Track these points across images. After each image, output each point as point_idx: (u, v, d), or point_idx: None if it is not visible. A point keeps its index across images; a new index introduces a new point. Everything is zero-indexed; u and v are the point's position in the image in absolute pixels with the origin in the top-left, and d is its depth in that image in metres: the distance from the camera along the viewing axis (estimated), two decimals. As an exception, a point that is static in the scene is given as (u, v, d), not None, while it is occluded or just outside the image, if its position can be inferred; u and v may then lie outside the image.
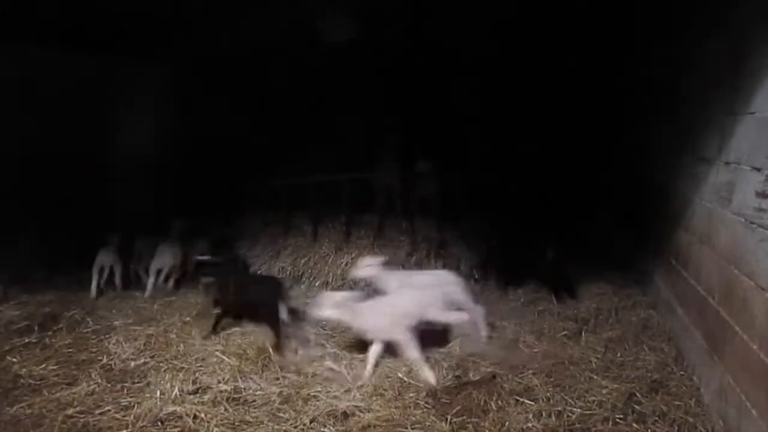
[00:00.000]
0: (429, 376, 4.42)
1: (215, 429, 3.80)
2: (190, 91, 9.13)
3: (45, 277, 6.61)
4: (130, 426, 3.81)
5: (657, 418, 3.93)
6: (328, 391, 4.29)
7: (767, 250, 3.34)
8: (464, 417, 3.94)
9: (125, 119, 8.24)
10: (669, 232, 5.50)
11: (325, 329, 5.38)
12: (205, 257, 6.48)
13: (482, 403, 4.10)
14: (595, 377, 4.47)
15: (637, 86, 7.43)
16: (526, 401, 4.13)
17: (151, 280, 6.43)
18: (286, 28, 8.92)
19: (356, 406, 4.05)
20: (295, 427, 3.84)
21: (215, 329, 5.31)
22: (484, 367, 4.62)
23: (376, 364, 4.63)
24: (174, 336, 5.27)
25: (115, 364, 4.73)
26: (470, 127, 9.40)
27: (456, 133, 9.26)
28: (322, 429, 3.83)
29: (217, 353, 4.84)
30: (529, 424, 3.87)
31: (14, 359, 4.78)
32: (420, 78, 9.21)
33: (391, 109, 9.39)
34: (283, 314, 5.16)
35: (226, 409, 4.02)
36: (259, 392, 4.26)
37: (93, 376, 4.49)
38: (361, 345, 4.87)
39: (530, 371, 4.55)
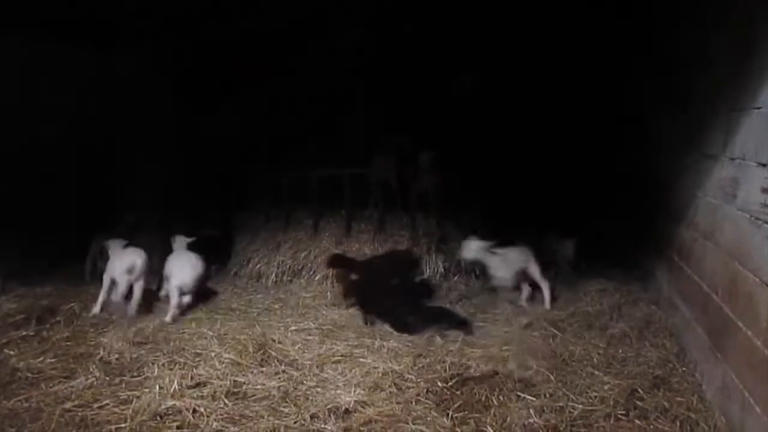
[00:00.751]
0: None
1: (215, 423, 3.76)
2: (188, 86, 9.09)
3: (43, 270, 6.58)
4: (129, 420, 3.76)
5: (659, 415, 3.90)
6: (328, 387, 4.26)
7: (773, 246, 3.32)
8: (465, 412, 3.91)
9: (122, 111, 8.16)
10: (672, 228, 5.47)
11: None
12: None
13: (484, 398, 4.06)
14: (596, 373, 4.44)
15: (640, 82, 7.39)
16: (528, 397, 4.10)
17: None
18: (284, 21, 8.89)
19: (357, 401, 4.01)
20: (296, 422, 3.80)
21: None
22: (483, 365, 4.59)
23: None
24: (173, 329, 5.25)
25: (113, 357, 4.69)
26: (471, 120, 9.35)
27: (457, 126, 9.22)
28: (322, 424, 3.79)
29: (216, 347, 4.81)
30: (531, 420, 3.84)
31: (12, 352, 4.75)
32: (421, 71, 9.15)
33: (391, 103, 9.35)
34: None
35: (225, 404, 3.98)
36: (258, 387, 4.23)
37: (91, 369, 4.46)
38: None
39: (533, 366, 4.52)
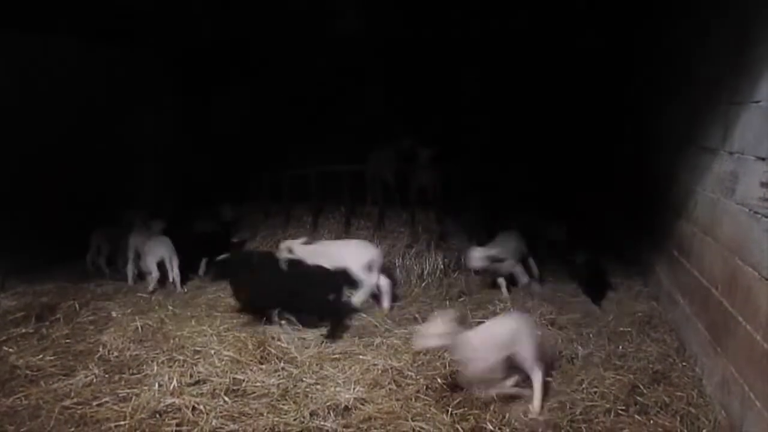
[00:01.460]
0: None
1: (214, 421, 3.76)
2: (191, 83, 9.09)
3: (43, 268, 6.58)
4: (128, 418, 3.76)
5: (659, 410, 3.90)
6: (328, 384, 4.25)
7: (772, 240, 3.30)
8: (465, 409, 3.90)
9: (127, 111, 8.16)
10: (671, 223, 5.46)
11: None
12: None
13: (483, 395, 4.06)
14: (596, 369, 4.43)
15: (639, 76, 7.37)
16: (527, 393, 4.08)
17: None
18: (286, 19, 8.88)
19: (357, 399, 4.01)
20: (295, 419, 3.79)
21: None
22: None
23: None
24: (172, 327, 5.24)
25: (112, 355, 4.70)
26: (471, 116, 9.34)
27: (456, 122, 9.21)
28: (322, 421, 3.79)
29: (216, 345, 4.80)
30: (531, 416, 3.85)
31: (11, 350, 4.76)
32: (421, 67, 9.14)
33: (391, 99, 9.34)
34: None
35: (225, 401, 3.98)
36: (258, 384, 4.23)
37: (90, 367, 4.47)
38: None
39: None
